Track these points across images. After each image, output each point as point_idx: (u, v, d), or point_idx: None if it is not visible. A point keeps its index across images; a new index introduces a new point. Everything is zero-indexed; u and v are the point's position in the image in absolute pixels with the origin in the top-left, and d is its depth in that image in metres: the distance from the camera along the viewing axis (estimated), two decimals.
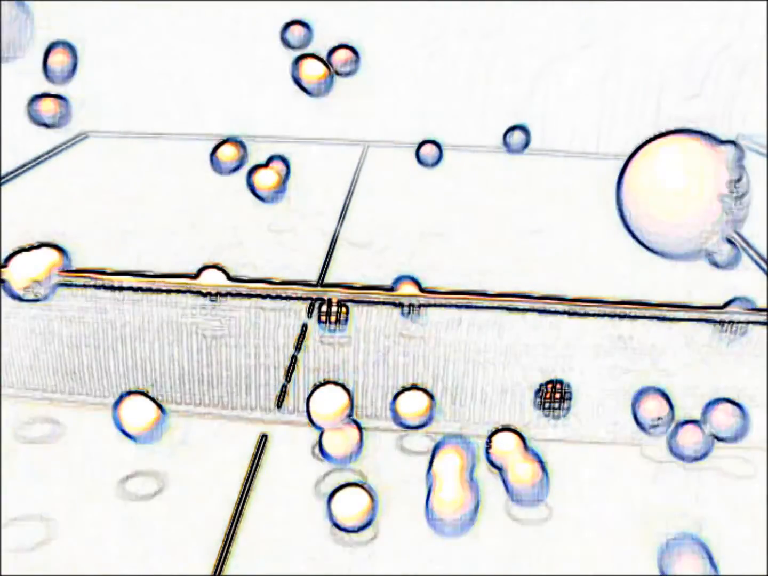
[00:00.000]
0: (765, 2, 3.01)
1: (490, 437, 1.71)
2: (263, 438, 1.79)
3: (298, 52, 2.27)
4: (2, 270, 1.75)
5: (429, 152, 2.72)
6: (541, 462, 1.54)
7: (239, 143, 2.07)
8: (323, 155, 3.11)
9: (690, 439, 1.70)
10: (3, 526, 1.53)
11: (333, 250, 2.22)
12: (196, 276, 1.84)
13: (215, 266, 1.85)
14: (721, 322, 1.77)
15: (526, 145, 2.87)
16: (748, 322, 1.78)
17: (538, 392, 1.81)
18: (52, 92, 2.21)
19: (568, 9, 3.11)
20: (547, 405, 1.83)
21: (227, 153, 2.05)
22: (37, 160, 2.82)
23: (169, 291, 1.86)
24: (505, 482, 1.55)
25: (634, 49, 3.15)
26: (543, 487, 1.53)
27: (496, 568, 1.49)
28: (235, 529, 1.54)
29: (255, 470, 1.70)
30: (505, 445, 1.56)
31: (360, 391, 1.89)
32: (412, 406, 1.75)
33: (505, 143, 2.83)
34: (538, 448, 1.58)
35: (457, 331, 1.83)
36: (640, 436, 1.77)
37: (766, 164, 2.86)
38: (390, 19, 3.20)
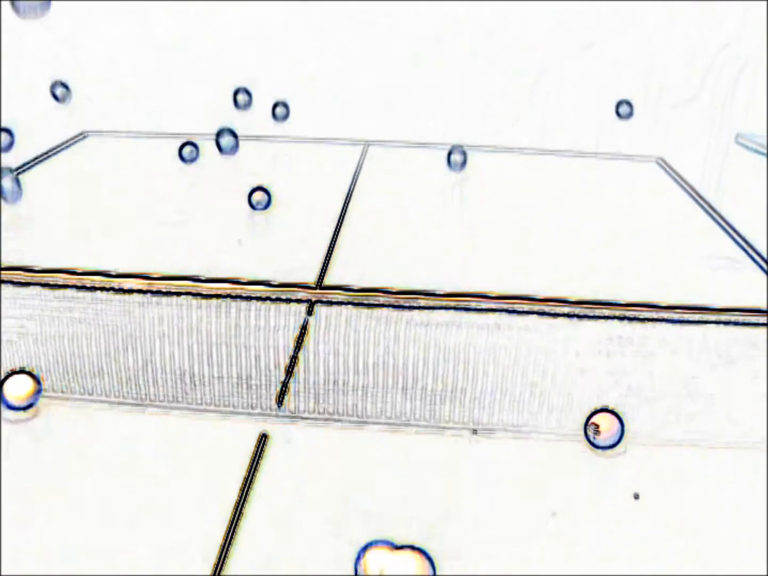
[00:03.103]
0: (765, 2, 3.01)
1: (589, 418, 1.73)
2: (263, 438, 1.79)
3: None
4: None
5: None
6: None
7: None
8: (323, 155, 3.11)
9: None
10: (2, 525, 1.54)
11: (332, 251, 2.22)
12: None
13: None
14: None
15: None
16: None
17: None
18: None
19: (569, 9, 3.11)
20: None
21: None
22: (37, 160, 2.82)
23: (170, 293, 1.87)
24: None
25: (634, 49, 3.15)
26: None
27: None
28: (235, 530, 1.54)
29: (255, 470, 1.70)
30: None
31: (360, 392, 1.89)
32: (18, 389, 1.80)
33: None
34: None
35: (457, 334, 1.84)
36: None
37: (766, 164, 2.86)
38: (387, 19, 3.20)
